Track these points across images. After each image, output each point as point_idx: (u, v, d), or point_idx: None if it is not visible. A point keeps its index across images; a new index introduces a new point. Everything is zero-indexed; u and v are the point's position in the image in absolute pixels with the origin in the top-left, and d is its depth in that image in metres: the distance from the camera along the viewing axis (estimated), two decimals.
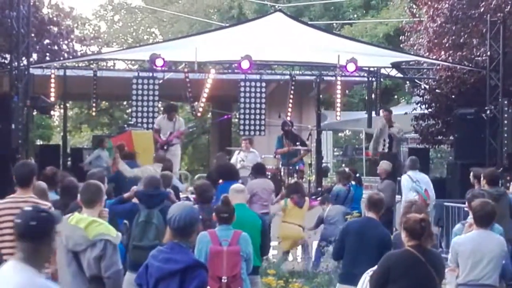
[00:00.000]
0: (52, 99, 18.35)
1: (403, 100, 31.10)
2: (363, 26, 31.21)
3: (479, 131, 16.05)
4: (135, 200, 8.62)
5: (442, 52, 17.81)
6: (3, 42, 16.73)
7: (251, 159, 15.97)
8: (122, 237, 6.42)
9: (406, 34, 20.75)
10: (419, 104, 19.52)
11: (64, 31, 20.77)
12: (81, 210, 6.29)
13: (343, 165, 28.72)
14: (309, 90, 22.75)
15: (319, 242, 12.66)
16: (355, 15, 33.96)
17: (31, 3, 16.33)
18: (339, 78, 19.55)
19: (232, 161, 16.05)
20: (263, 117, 19.17)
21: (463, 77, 17.73)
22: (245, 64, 17.06)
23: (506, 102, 15.53)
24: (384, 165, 14.16)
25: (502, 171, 14.35)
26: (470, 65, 17.21)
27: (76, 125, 40.34)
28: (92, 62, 19.77)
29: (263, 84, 19.22)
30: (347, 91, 28.41)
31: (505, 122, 15.43)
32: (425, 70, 19.79)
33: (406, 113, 21.03)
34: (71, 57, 20.08)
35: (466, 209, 9.18)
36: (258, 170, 13.03)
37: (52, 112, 22.04)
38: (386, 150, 16.65)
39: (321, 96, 22.32)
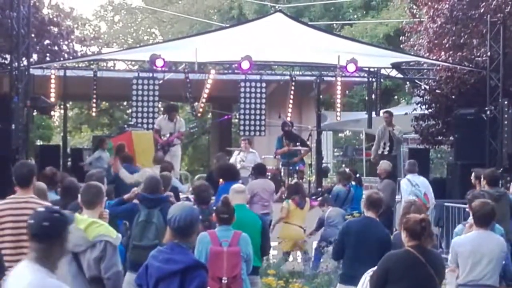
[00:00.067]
0: (52, 99, 18.35)
1: (403, 100, 31.11)
2: (363, 26, 31.20)
3: (479, 131, 16.04)
4: (135, 200, 8.64)
5: (442, 53, 17.81)
6: (3, 42, 16.72)
7: (250, 159, 15.99)
8: (121, 238, 6.42)
9: (406, 35, 20.74)
10: (419, 105, 19.53)
11: (64, 32, 20.74)
12: (81, 211, 6.29)
13: (343, 165, 28.73)
14: (309, 90, 22.72)
15: (319, 243, 12.64)
16: (355, 16, 33.95)
17: (31, 4, 16.31)
18: (339, 78, 19.54)
19: (232, 161, 16.02)
20: (263, 117, 19.14)
21: (463, 78, 17.73)
22: (245, 65, 17.05)
23: (506, 102, 15.52)
24: (384, 165, 14.14)
25: (502, 171, 14.37)
26: (470, 65, 17.21)
27: (76, 126, 40.39)
28: (92, 62, 19.73)
29: (263, 85, 19.19)
30: (347, 92, 28.43)
31: (505, 122, 15.41)
32: (425, 70, 19.77)
33: (406, 114, 21.03)
34: (71, 57, 20.04)
35: (467, 209, 9.18)
36: (259, 170, 12.99)
37: (52, 113, 21.95)
38: (386, 153, 16.61)
39: (321, 96, 22.31)
